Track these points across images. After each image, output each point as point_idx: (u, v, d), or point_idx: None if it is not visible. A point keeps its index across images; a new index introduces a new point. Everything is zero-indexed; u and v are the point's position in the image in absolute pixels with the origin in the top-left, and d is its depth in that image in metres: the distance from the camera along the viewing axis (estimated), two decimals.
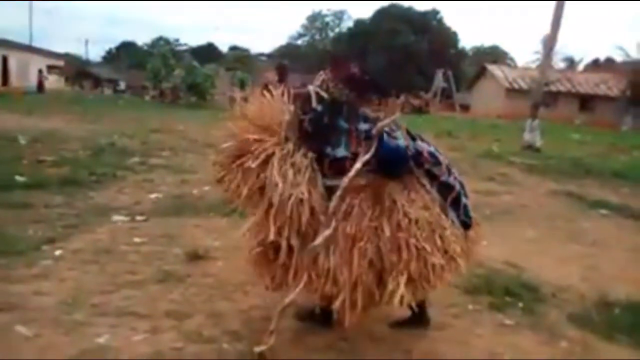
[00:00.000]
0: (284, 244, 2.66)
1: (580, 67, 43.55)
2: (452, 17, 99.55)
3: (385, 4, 44.08)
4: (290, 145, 2.82)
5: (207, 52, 57.82)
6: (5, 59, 31.10)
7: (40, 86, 30.66)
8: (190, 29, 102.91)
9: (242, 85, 28.81)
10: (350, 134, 2.86)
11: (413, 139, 3.03)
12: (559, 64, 31.69)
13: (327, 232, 2.62)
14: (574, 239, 5.67)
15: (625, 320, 3.61)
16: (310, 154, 2.81)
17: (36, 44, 40.50)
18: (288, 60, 58.00)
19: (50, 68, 39.51)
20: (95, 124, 14.62)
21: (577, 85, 30.89)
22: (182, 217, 5.49)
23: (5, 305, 3.21)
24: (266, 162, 2.75)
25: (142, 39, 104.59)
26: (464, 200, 3.02)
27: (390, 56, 39.06)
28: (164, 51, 33.93)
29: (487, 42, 76.04)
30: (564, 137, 18.27)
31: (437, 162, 3.00)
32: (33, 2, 48.23)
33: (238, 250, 4.48)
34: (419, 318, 3.14)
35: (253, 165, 2.74)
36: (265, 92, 3.04)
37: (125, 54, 69.97)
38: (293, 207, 2.63)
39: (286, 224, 2.64)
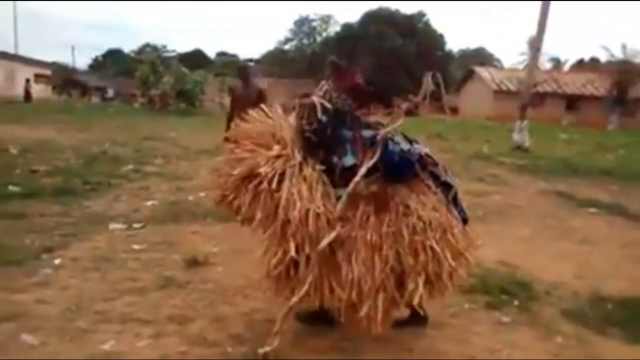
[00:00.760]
0: (303, 258, 2.68)
1: (566, 67, 44.13)
2: (439, 20, 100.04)
3: (373, 6, 44.47)
4: (298, 160, 2.84)
5: (195, 58, 57.68)
6: None
7: (27, 95, 30.42)
8: (177, 35, 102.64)
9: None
10: (355, 142, 2.93)
11: (410, 142, 3.11)
12: (545, 64, 32.05)
13: (332, 235, 2.67)
14: (565, 237, 5.78)
15: (618, 315, 3.71)
16: (318, 166, 2.86)
17: (21, 51, 40.27)
18: (278, 66, 57.72)
19: (38, 77, 39.23)
20: (86, 132, 14.58)
21: (563, 85, 31.30)
22: (180, 223, 5.53)
23: (9, 315, 3.24)
24: (279, 180, 2.76)
25: (128, 46, 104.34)
26: (459, 197, 3.12)
27: (378, 59, 39.25)
28: (152, 58, 33.81)
29: (473, 45, 76.76)
30: (551, 137, 18.50)
31: (435, 163, 3.09)
32: (17, 2, 47.71)
33: (237, 256, 4.57)
34: (417, 317, 3.21)
35: (272, 187, 2.71)
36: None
37: (112, 62, 69.58)
38: (311, 222, 2.66)
39: (306, 239, 2.66)
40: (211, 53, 67.30)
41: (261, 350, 2.77)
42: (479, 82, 33.89)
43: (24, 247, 4.54)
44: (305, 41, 58.46)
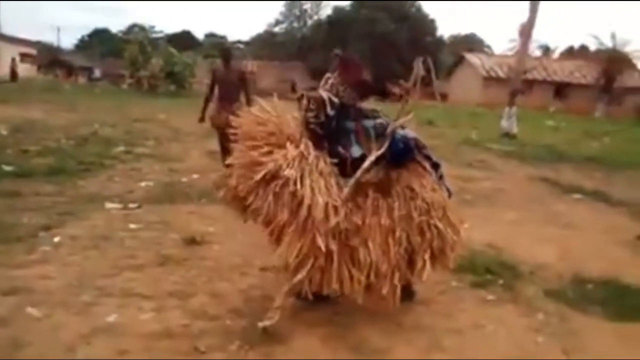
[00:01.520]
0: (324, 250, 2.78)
1: (556, 54, 44.41)
2: (430, 5, 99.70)
3: None
4: (314, 156, 2.91)
5: (183, 40, 56.90)
6: None
7: (14, 74, 29.95)
8: (165, 15, 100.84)
9: None
10: (358, 132, 3.06)
11: (402, 127, 3.24)
12: (534, 51, 32.27)
13: (339, 218, 2.79)
14: (550, 222, 5.97)
15: (597, 294, 3.91)
16: (329, 159, 2.96)
17: (5, 30, 39.52)
18: (267, 49, 57.01)
19: (23, 56, 38.55)
20: (74, 113, 14.47)
21: (552, 73, 31.56)
22: (175, 204, 5.62)
23: (11, 289, 3.33)
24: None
25: (115, 26, 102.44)
26: (444, 174, 3.31)
27: (370, 44, 39.13)
28: (140, 38, 33.38)
29: (464, 30, 76.81)
30: (539, 124, 18.75)
31: (425, 145, 3.24)
32: None
33: (232, 236, 4.69)
34: (409, 291, 3.36)
35: (297, 187, 2.75)
36: (293, 91, 3.16)
37: (99, 42, 68.44)
38: (331, 216, 2.77)
39: (328, 232, 2.77)
40: (199, 34, 66.47)
41: (261, 324, 2.90)
42: (469, 69, 34.03)
43: (22, 224, 4.61)
44: (295, 24, 57.92)
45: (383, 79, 3.33)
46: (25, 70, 36.38)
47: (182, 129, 12.06)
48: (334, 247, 2.78)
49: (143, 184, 6.50)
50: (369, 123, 3.11)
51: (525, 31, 14.51)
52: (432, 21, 43.93)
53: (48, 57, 51.12)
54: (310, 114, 3.00)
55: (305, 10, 57.66)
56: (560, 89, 31.32)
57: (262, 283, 3.69)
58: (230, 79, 6.43)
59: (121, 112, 15.78)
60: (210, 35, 67.85)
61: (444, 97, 35.56)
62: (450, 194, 3.25)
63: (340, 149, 3.02)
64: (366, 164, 2.94)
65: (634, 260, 4.80)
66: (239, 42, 64.99)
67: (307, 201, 2.72)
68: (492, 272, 4.12)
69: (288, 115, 3.11)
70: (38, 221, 4.70)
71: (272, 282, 3.71)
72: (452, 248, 3.07)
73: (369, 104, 3.36)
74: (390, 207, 2.95)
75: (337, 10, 47.00)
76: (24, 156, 7.70)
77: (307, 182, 2.76)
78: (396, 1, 41.33)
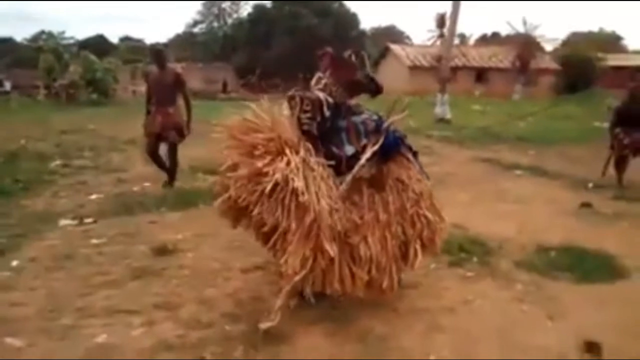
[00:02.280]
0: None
1: (471, 42, 46.56)
2: None
3: None
4: (313, 161, 2.86)
5: (98, 45, 54.12)
6: None
7: None
8: (74, 20, 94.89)
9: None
10: (349, 130, 3.06)
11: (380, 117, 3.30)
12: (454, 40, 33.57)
13: (340, 220, 2.81)
14: (500, 199, 6.30)
15: (562, 261, 4.19)
16: (322, 160, 2.93)
17: None
18: (188, 50, 55.42)
19: None
20: None
21: (471, 59, 33.11)
22: (133, 215, 5.38)
23: None
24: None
25: (19, 34, 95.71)
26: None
27: (295, 39, 39.19)
28: (53, 46, 31.55)
29: (384, 23, 78.73)
30: (466, 109, 19.59)
31: (405, 135, 3.31)
32: None
33: (203, 241, 4.59)
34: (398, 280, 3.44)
35: (304, 197, 2.68)
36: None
37: (3, 52, 63.85)
38: (335, 218, 2.78)
39: (331, 234, 2.77)
40: (114, 38, 63.50)
41: (262, 326, 2.86)
42: (394, 59, 34.90)
43: None
44: (215, 24, 56.89)
45: (372, 77, 3.35)
46: None
47: (118, 138, 11.54)
48: (335, 248, 2.79)
49: (93, 196, 6.18)
50: (357, 119, 3.13)
51: (451, 22, 15.09)
52: (354, 15, 44.62)
53: None
54: (305, 115, 2.96)
55: (224, 9, 56.77)
56: (481, 74, 32.92)
57: (248, 285, 3.64)
58: (165, 82, 6.21)
59: (45, 125, 14.83)
60: (125, 39, 65.06)
61: None
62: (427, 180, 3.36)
63: (335, 149, 3.03)
64: (363, 160, 2.97)
65: (583, 227, 5.17)
66: (157, 44, 62.86)
67: (313, 209, 2.69)
68: (465, 251, 4.30)
69: (282, 119, 3.02)
70: None
71: (258, 283, 3.69)
72: (439, 235, 3.17)
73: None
74: (386, 201, 3.00)
75: (257, 7, 46.62)
76: None
77: (312, 189, 2.73)
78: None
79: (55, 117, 17.32)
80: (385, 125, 3.11)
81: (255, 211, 2.78)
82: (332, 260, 2.79)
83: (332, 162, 2.98)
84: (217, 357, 2.73)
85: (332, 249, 2.74)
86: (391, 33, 61.13)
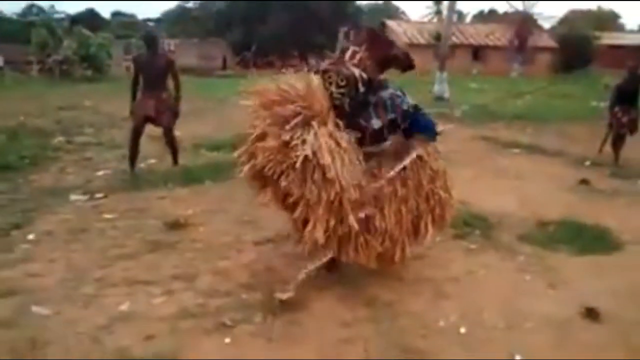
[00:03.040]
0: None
1: (468, 19, 46.32)
2: None
3: None
4: (340, 136, 2.91)
5: (89, 20, 53.10)
6: None
7: None
8: None
9: None
10: (377, 105, 3.13)
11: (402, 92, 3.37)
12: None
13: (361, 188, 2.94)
14: (501, 175, 6.43)
15: (560, 234, 4.35)
16: (349, 135, 2.98)
17: None
18: (180, 25, 54.29)
19: None
20: None
21: (469, 37, 32.92)
22: (142, 191, 5.48)
23: (7, 290, 3.20)
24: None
25: (7, 8, 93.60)
26: None
27: (291, 16, 38.75)
28: (46, 20, 31.09)
29: None
30: (464, 87, 19.61)
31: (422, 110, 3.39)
32: None
33: (213, 216, 4.71)
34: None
35: (331, 173, 2.76)
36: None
37: None
38: (358, 192, 2.89)
39: (354, 207, 2.89)
40: (105, 13, 62.25)
41: (282, 296, 2.99)
42: (391, 36, 34.69)
43: None
44: None
45: (407, 52, 3.37)
46: None
47: (116, 115, 11.50)
48: (356, 220, 2.90)
49: (100, 173, 6.26)
50: (385, 94, 3.19)
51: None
52: None
53: None
54: (339, 90, 2.99)
55: None
56: (478, 52, 32.80)
57: (261, 257, 3.77)
58: (155, 66, 6.03)
59: (41, 101, 14.77)
60: (117, 14, 63.91)
61: None
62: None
63: (362, 122, 3.10)
64: (407, 160, 3.09)
65: (581, 202, 5.33)
66: (149, 20, 62.00)
67: (339, 183, 2.78)
68: (468, 224, 4.44)
69: (315, 90, 2.98)
70: (5, 220, 4.46)
71: (271, 255, 3.82)
72: (449, 212, 3.30)
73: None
74: (404, 176, 3.11)
75: None
76: None
77: (337, 164, 2.80)
78: None
79: (50, 94, 17.24)
80: (410, 105, 3.19)
81: (283, 182, 2.86)
82: (350, 229, 2.91)
83: (358, 135, 3.05)
84: (237, 323, 2.86)
85: (355, 222, 2.86)
86: (387, 9, 60.53)
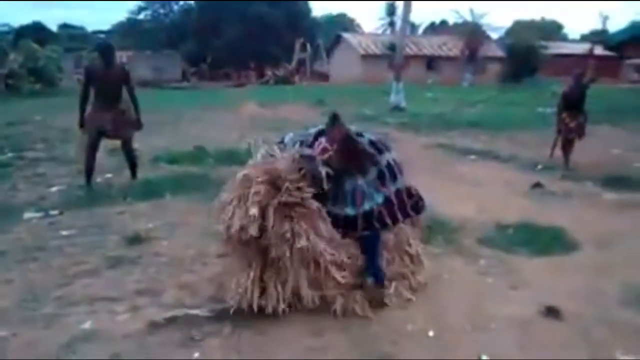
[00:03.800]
0: None
1: (420, 30, 47.47)
2: None
3: None
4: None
5: (36, 32, 51.33)
6: None
7: None
8: (10, 8, 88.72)
9: None
10: (355, 192, 3.17)
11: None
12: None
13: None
14: (459, 181, 6.61)
15: (519, 237, 4.49)
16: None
17: None
18: (132, 37, 53.27)
19: None
20: None
21: (422, 48, 33.79)
22: (100, 206, 5.32)
23: None
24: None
25: None
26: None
27: (244, 28, 38.71)
28: None
29: (335, 10, 78.75)
30: (419, 97, 20.04)
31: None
32: None
33: (175, 229, 4.64)
34: None
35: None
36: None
37: None
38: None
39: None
40: (52, 26, 60.17)
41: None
42: (347, 48, 35.11)
43: None
44: (161, 10, 55.33)
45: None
46: None
47: (71, 129, 11.15)
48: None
49: (54, 188, 6.05)
50: (366, 181, 3.22)
51: (405, 9, 15.41)
52: (306, 3, 44.52)
53: None
54: (306, 184, 3.04)
55: None
56: (431, 62, 33.68)
57: (227, 270, 3.70)
58: (110, 78, 5.82)
59: None
60: (65, 26, 62.07)
61: (324, 77, 36.51)
62: None
63: (336, 209, 3.17)
64: None
65: (536, 206, 5.53)
66: (100, 32, 60.63)
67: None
68: (430, 229, 4.51)
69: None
70: None
71: (236, 267, 3.76)
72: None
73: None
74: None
75: None
76: None
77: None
78: None
79: None
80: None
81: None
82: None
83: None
84: (205, 336, 2.82)
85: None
86: (343, 21, 61.37)
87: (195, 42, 42.67)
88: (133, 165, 6.30)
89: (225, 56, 39.56)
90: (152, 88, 26.73)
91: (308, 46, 36.15)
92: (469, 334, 2.94)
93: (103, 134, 5.91)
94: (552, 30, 48.35)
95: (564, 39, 47.98)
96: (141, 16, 55.12)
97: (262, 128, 10.27)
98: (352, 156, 3.25)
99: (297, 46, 35.29)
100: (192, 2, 49.23)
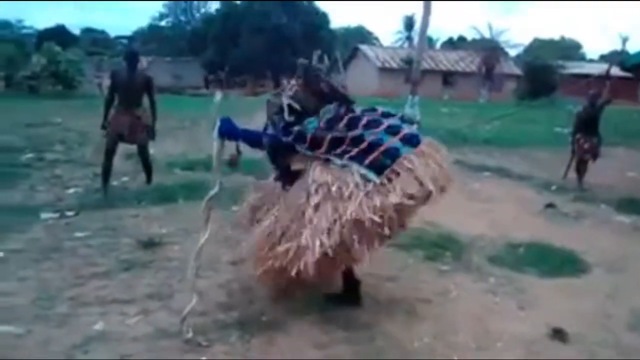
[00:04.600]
0: None
1: (437, 45, 47.54)
2: None
3: None
4: None
5: (59, 36, 52.27)
6: None
7: None
8: (33, 9, 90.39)
9: None
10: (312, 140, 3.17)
11: None
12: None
13: None
14: (472, 198, 6.60)
15: (529, 256, 4.49)
16: None
17: None
18: (153, 43, 54.09)
19: None
20: None
21: (439, 63, 33.81)
22: (115, 208, 5.42)
23: None
24: None
25: None
26: None
27: (264, 38, 39.13)
28: (13, 35, 30.56)
29: (353, 23, 79.06)
30: (435, 111, 20.04)
31: None
32: None
33: (188, 235, 4.67)
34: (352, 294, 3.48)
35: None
36: None
37: None
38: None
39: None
40: (75, 30, 61.28)
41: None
42: (364, 60, 35.25)
43: None
44: (182, 18, 56.21)
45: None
46: None
47: (90, 132, 11.36)
48: None
49: (71, 190, 6.17)
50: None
51: (423, 23, 15.45)
52: (324, 14, 44.83)
53: None
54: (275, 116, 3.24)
55: (191, 3, 56.13)
56: (448, 78, 33.66)
57: (238, 276, 3.77)
58: (133, 84, 6.01)
59: (8, 117, 14.43)
60: (87, 31, 63.18)
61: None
62: None
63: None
64: None
65: (548, 226, 5.52)
66: (122, 37, 61.59)
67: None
68: (439, 246, 4.55)
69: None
70: None
71: (247, 275, 3.81)
72: None
73: None
74: None
75: (226, 4, 46.30)
76: None
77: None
78: None
79: (18, 110, 16.83)
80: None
81: None
82: None
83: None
84: (213, 343, 2.86)
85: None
86: (360, 34, 61.66)
87: (214, 50, 43.17)
88: (148, 170, 6.41)
89: (243, 65, 39.96)
90: (171, 94, 27.06)
91: (325, 58, 36.40)
92: (474, 353, 2.95)
93: (122, 138, 6.04)
94: (571, 49, 48.09)
95: (582, 58, 47.65)
96: (162, 23, 56.05)
97: None
98: (312, 86, 3.37)
99: (315, 58, 35.53)
100: (214, 12, 49.92)
